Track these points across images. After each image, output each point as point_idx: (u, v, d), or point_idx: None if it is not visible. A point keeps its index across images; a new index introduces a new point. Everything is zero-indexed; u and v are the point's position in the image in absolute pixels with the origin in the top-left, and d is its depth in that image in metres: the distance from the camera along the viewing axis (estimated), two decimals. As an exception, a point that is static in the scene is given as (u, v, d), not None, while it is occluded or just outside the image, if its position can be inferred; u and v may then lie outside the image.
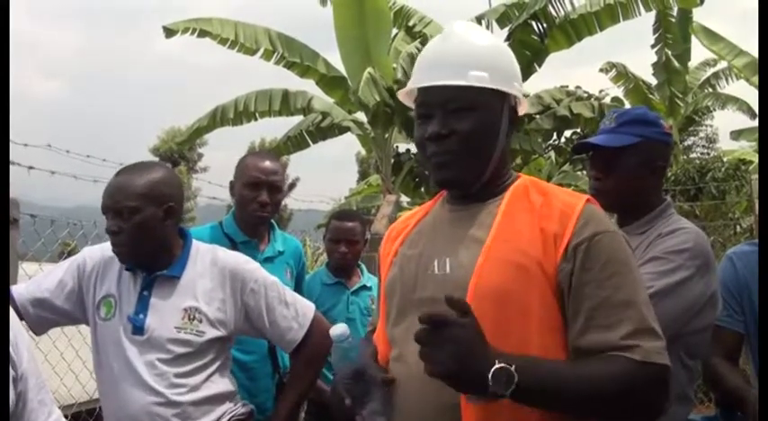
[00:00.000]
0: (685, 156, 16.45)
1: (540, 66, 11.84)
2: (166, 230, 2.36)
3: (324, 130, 12.14)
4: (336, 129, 12.16)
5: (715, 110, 19.25)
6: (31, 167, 4.11)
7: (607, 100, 12.48)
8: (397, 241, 1.82)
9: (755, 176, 6.37)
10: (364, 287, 3.91)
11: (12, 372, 1.63)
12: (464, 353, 1.39)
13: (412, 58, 10.90)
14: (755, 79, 13.80)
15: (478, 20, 11.66)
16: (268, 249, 3.18)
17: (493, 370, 1.38)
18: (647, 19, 13.82)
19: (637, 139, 2.22)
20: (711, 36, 15.74)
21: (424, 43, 11.12)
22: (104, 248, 2.45)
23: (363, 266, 4.04)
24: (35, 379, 1.71)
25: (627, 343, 1.47)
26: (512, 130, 1.72)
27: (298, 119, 12.36)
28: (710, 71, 18.82)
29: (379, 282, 1.89)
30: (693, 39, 15.71)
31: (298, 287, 3.27)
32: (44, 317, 2.37)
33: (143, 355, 2.26)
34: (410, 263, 1.73)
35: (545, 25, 11.34)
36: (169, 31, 11.49)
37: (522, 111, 1.75)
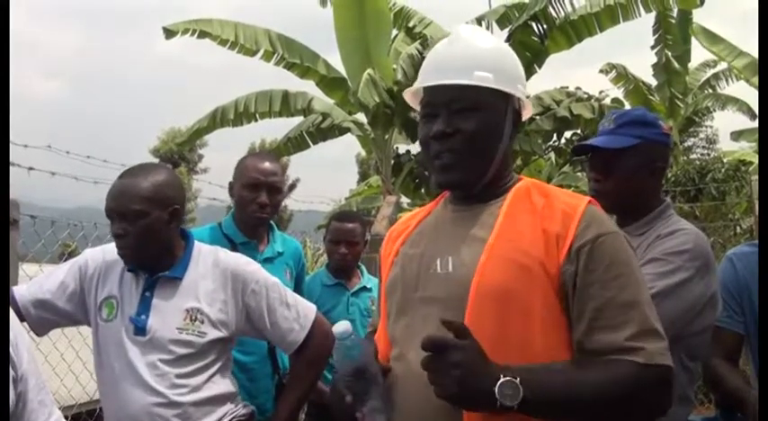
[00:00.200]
0: (685, 157, 16.43)
1: (540, 67, 11.84)
2: (171, 232, 2.37)
3: (324, 131, 12.13)
4: (336, 130, 12.16)
5: (715, 111, 19.26)
6: (31, 168, 4.11)
7: (607, 101, 12.45)
8: (398, 241, 1.83)
9: (755, 177, 6.37)
10: (364, 288, 3.91)
11: (12, 373, 1.63)
12: (467, 375, 1.43)
13: (412, 59, 10.91)
14: (755, 80, 13.80)
15: (478, 21, 11.66)
16: (267, 250, 3.18)
17: (498, 384, 1.42)
18: (646, 20, 13.86)
19: (636, 141, 2.22)
20: (711, 37, 15.74)
21: (424, 44, 11.14)
22: (106, 250, 2.46)
23: (363, 267, 4.04)
24: (35, 379, 1.72)
25: (631, 345, 1.49)
26: (515, 132, 1.74)
27: (298, 120, 12.36)
28: (710, 72, 18.83)
29: (380, 283, 1.90)
30: (693, 40, 15.71)
31: (297, 288, 3.27)
32: (45, 318, 2.38)
33: (145, 356, 2.27)
34: (412, 262, 1.74)
35: (545, 26, 11.33)
36: (169, 32, 11.49)
37: (526, 114, 1.77)
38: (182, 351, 2.28)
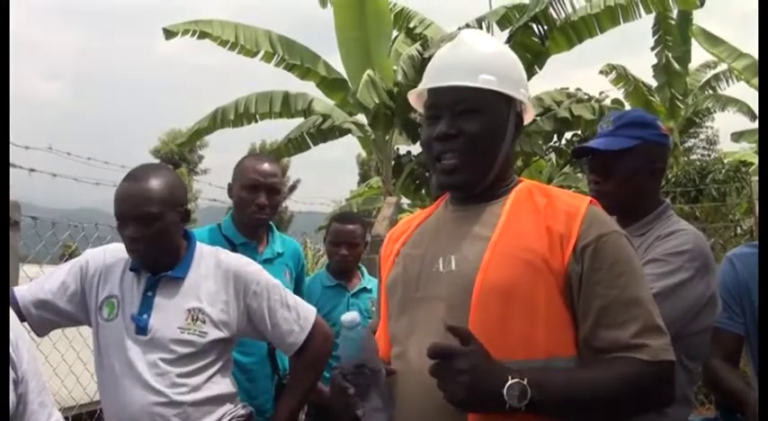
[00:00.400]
0: (686, 158, 16.42)
1: (540, 68, 11.84)
2: (179, 233, 2.39)
3: (324, 132, 12.13)
4: (337, 132, 12.16)
5: (715, 111, 19.27)
6: (32, 170, 4.11)
7: (607, 102, 12.45)
8: (398, 242, 1.84)
9: (756, 178, 6.37)
10: (365, 289, 3.90)
11: (12, 374, 1.63)
12: (474, 380, 1.47)
13: (412, 60, 10.91)
14: (756, 81, 13.80)
15: (479, 22, 11.65)
16: (267, 251, 3.18)
17: (506, 386, 1.45)
18: (646, 21, 13.84)
19: (634, 142, 2.23)
20: (711, 39, 15.73)
21: (424, 45, 11.13)
22: (107, 250, 2.47)
23: (364, 268, 4.04)
24: (36, 381, 1.72)
25: (636, 342, 1.53)
26: (517, 135, 1.77)
27: (298, 121, 12.36)
28: (711, 73, 18.83)
29: (379, 283, 1.91)
30: (693, 41, 15.71)
31: (297, 289, 3.28)
32: (46, 318, 2.38)
33: (146, 355, 2.27)
34: (413, 262, 1.75)
35: (545, 27, 11.33)
36: (169, 33, 11.48)
37: (527, 118, 1.79)
38: (183, 350, 2.28)
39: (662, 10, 12.09)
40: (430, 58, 1.88)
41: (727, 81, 18.22)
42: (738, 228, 8.64)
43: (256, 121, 11.97)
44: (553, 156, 13.76)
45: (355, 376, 1.64)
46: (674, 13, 14.17)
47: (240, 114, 11.69)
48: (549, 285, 1.57)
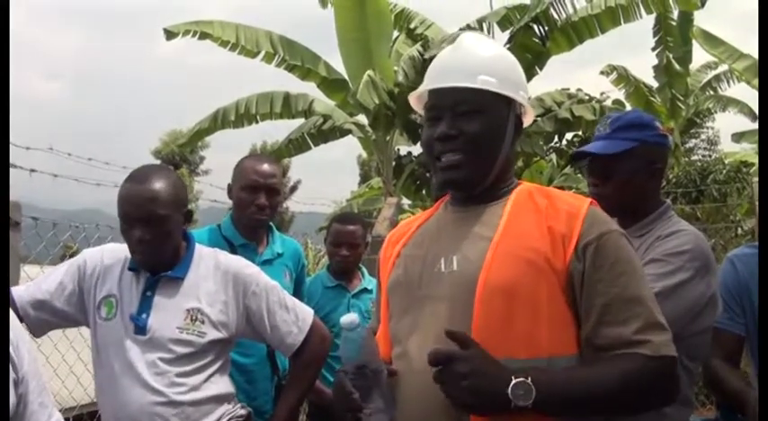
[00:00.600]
0: (687, 159, 16.40)
1: (541, 68, 11.84)
2: (180, 234, 2.40)
3: (325, 133, 12.13)
4: (338, 132, 12.15)
5: (716, 112, 19.27)
6: (33, 170, 4.11)
7: (608, 102, 12.45)
8: (399, 244, 1.85)
9: (757, 179, 6.37)
10: (365, 290, 3.90)
11: (13, 375, 1.63)
12: (477, 383, 1.49)
13: (413, 61, 10.90)
14: (756, 82, 13.79)
15: (480, 23, 11.66)
16: (266, 251, 3.18)
17: (511, 386, 1.47)
18: (647, 22, 13.84)
19: (633, 144, 2.23)
20: (711, 40, 15.72)
21: (425, 46, 11.12)
22: (105, 249, 2.47)
23: (364, 269, 4.04)
24: (36, 381, 1.72)
25: (638, 338, 1.55)
26: (516, 137, 1.79)
27: (299, 121, 12.35)
28: (712, 73, 18.82)
29: (379, 284, 1.92)
30: (694, 41, 15.70)
31: (298, 289, 3.27)
32: (44, 319, 2.38)
33: (145, 355, 2.28)
34: (415, 262, 1.76)
35: (546, 28, 11.32)
36: (170, 34, 11.48)
37: (527, 120, 1.81)
38: (182, 350, 2.29)
39: (662, 11, 12.08)
40: (431, 58, 1.89)
41: (727, 82, 18.21)
42: (739, 229, 8.64)
43: (257, 122, 11.96)
44: (554, 156, 13.74)
45: (357, 377, 1.64)
46: (675, 14, 14.16)
47: (241, 115, 11.69)
48: (551, 284, 1.59)
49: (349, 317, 1.66)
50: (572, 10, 11.27)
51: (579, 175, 13.05)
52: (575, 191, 8.97)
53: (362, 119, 12.13)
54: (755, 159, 12.62)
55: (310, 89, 12.27)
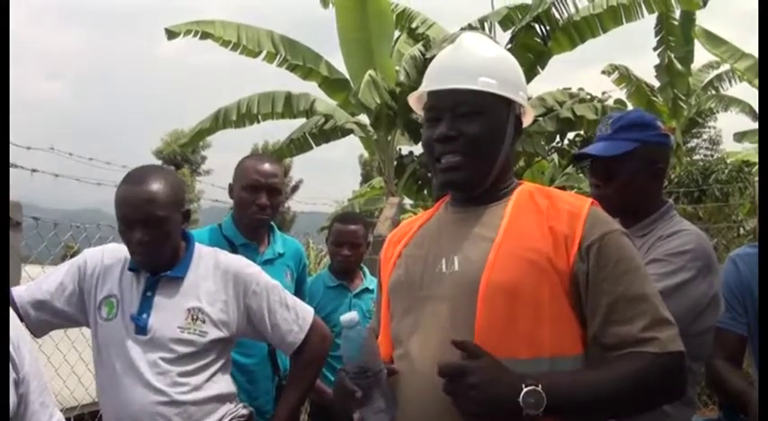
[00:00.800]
0: (688, 158, 16.39)
1: (542, 68, 11.83)
2: (180, 234, 2.39)
3: (327, 133, 12.12)
4: (339, 132, 12.14)
5: (718, 112, 19.25)
6: (34, 170, 4.11)
7: (610, 102, 12.43)
8: (399, 244, 1.85)
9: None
10: (367, 290, 3.90)
11: (14, 375, 1.63)
12: (487, 394, 1.49)
13: (414, 61, 10.90)
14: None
15: (481, 22, 11.65)
16: (268, 251, 3.18)
17: (522, 395, 1.47)
18: (649, 21, 13.83)
19: (634, 145, 2.22)
20: (713, 39, 15.70)
21: (426, 46, 11.12)
22: (105, 249, 2.47)
23: (366, 269, 4.04)
24: (37, 381, 1.72)
25: (645, 335, 1.56)
26: (516, 138, 1.79)
27: (300, 121, 12.35)
28: (713, 73, 18.79)
29: (379, 285, 1.92)
30: (696, 41, 15.68)
31: (299, 289, 3.27)
32: (44, 319, 2.38)
33: (146, 354, 2.28)
34: (416, 263, 1.76)
35: (548, 28, 11.32)
36: (171, 33, 11.48)
37: (526, 121, 1.81)
38: (183, 350, 2.29)
39: (664, 10, 12.06)
40: (432, 58, 1.89)
41: (729, 81, 18.19)
42: (741, 229, 8.63)
43: (258, 122, 11.95)
44: (555, 156, 13.73)
45: (357, 377, 1.64)
46: (677, 14, 14.15)
47: (242, 115, 11.69)
48: (553, 285, 1.59)
49: (348, 316, 1.65)
50: (574, 9, 11.27)
51: (581, 175, 13.05)
52: (576, 191, 8.97)
53: (364, 118, 12.13)
54: (757, 159, 12.60)
55: (312, 89, 12.29)
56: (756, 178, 6.84)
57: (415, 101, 1.85)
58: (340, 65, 12.12)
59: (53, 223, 3.87)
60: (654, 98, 14.26)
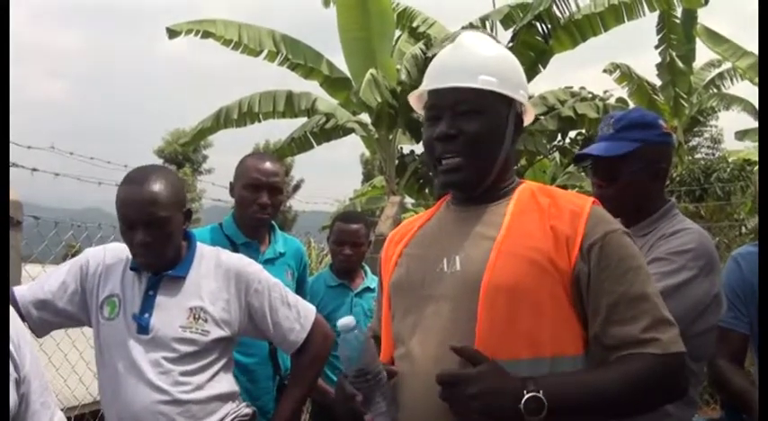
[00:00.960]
0: (690, 157, 16.39)
1: (544, 67, 11.83)
2: (182, 233, 2.39)
3: (328, 132, 12.12)
4: (340, 131, 12.15)
5: (720, 110, 19.24)
6: (34, 169, 4.10)
7: (612, 100, 12.43)
8: (400, 244, 1.85)
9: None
10: (368, 289, 3.90)
11: (15, 374, 1.63)
12: (487, 403, 1.49)
13: (416, 60, 10.90)
14: (760, 79, 13.72)
15: (483, 21, 11.64)
16: (269, 250, 3.17)
17: (523, 402, 1.47)
18: (651, 20, 13.83)
19: (636, 145, 2.21)
20: (715, 37, 15.71)
21: (427, 44, 11.12)
22: (107, 249, 2.46)
23: (367, 268, 4.03)
24: (38, 381, 1.71)
25: (646, 336, 1.56)
26: (517, 136, 1.79)
27: (302, 120, 12.35)
28: (715, 72, 18.79)
29: (380, 284, 1.91)
30: (698, 39, 15.67)
31: (300, 288, 3.26)
32: (46, 319, 2.37)
33: (148, 354, 2.27)
34: (417, 262, 1.76)
35: (549, 26, 11.31)
36: (172, 33, 11.48)
37: (527, 119, 1.81)
38: (185, 349, 2.28)
39: (666, 8, 12.07)
40: (433, 57, 1.88)
41: (731, 79, 18.19)
42: (743, 228, 8.63)
43: (260, 121, 11.96)
44: (557, 155, 13.73)
45: (358, 381, 1.63)
46: (679, 12, 14.15)
47: (244, 114, 11.69)
48: (554, 284, 1.59)
49: (345, 320, 1.65)
50: (575, 8, 11.25)
51: (582, 174, 13.05)
52: (578, 189, 8.97)
53: (365, 117, 12.13)
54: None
55: (313, 88, 12.29)
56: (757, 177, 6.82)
57: (416, 100, 1.85)
58: (341, 64, 12.13)
59: (54, 222, 3.87)
60: (655, 97, 14.25)
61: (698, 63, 17.52)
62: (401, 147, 12.75)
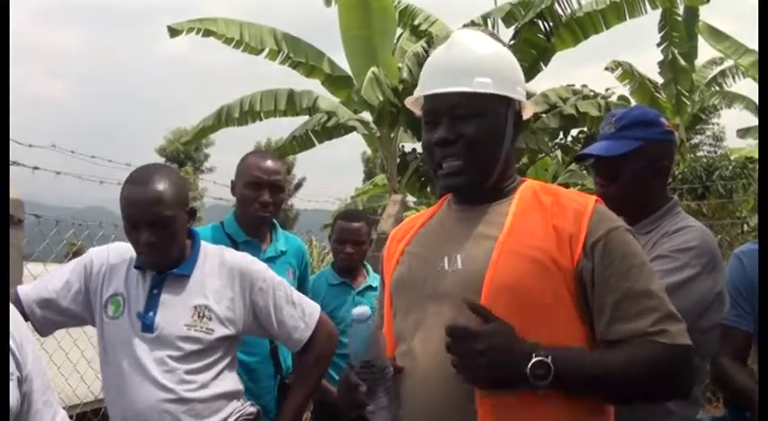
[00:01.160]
0: (692, 155, 16.37)
1: (546, 64, 11.83)
2: (186, 232, 2.39)
3: (329, 130, 12.11)
4: (342, 129, 12.14)
5: (722, 108, 19.19)
6: (35, 168, 4.10)
7: (613, 98, 12.42)
8: (402, 242, 1.85)
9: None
10: (370, 287, 3.89)
11: (17, 373, 1.63)
12: (495, 361, 1.50)
13: (417, 58, 10.89)
14: (762, 77, 13.70)
15: (484, 19, 11.64)
16: (270, 249, 3.17)
17: (530, 364, 1.48)
18: (652, 17, 13.80)
19: (638, 144, 2.20)
20: (717, 35, 15.68)
21: (429, 43, 11.12)
22: (111, 248, 2.46)
23: (369, 266, 4.03)
24: (40, 379, 1.71)
25: (655, 329, 1.56)
26: (516, 134, 1.78)
27: (303, 119, 12.35)
28: (717, 69, 18.75)
29: (382, 282, 1.91)
30: (699, 37, 15.65)
31: (301, 287, 3.26)
32: (50, 318, 2.37)
33: (153, 352, 2.27)
34: (418, 260, 1.76)
35: (551, 24, 11.31)
36: (174, 31, 11.48)
37: (526, 114, 1.80)
38: (190, 347, 2.28)
39: (668, 5, 12.08)
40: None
41: (733, 77, 18.16)
42: (745, 225, 8.62)
43: (261, 119, 11.96)
44: (559, 153, 13.73)
45: (363, 373, 1.63)
46: (681, 9, 14.13)
47: (245, 112, 11.69)
48: (557, 283, 1.59)
49: (361, 309, 1.66)
50: (577, 5, 11.27)
51: (584, 172, 13.05)
52: (580, 188, 8.97)
53: (367, 116, 12.13)
54: (761, 155, 12.55)
55: (314, 86, 12.30)
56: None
57: (413, 104, 1.84)
58: (343, 62, 12.14)
59: (55, 221, 3.87)
60: (657, 94, 14.24)
61: (700, 60, 17.50)
62: (403, 146, 12.76)
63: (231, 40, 11.51)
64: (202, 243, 2.46)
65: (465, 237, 1.70)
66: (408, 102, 1.85)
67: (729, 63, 17.55)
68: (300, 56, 11.76)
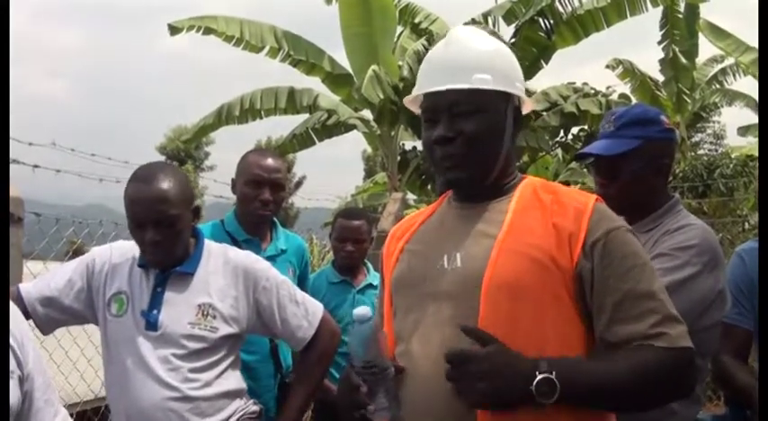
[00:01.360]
0: (693, 153, 16.36)
1: (546, 62, 11.84)
2: (190, 230, 2.39)
3: (330, 128, 12.13)
4: (342, 127, 12.15)
5: (722, 106, 19.19)
6: (36, 166, 4.10)
7: (614, 96, 12.41)
8: (402, 240, 1.84)
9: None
10: (370, 285, 3.89)
11: (18, 372, 1.63)
12: (495, 384, 1.49)
13: (418, 56, 10.90)
14: (763, 75, 13.68)
15: (485, 17, 11.65)
16: (270, 247, 3.17)
17: (535, 383, 1.47)
18: (653, 15, 13.79)
19: (638, 142, 2.19)
20: (718, 32, 15.66)
21: (429, 41, 11.13)
22: (113, 247, 2.46)
23: (369, 264, 4.03)
24: (41, 378, 1.72)
25: (655, 331, 1.55)
26: (517, 130, 1.78)
27: (304, 117, 12.36)
28: (718, 67, 18.75)
29: (382, 280, 1.91)
30: (700, 35, 15.64)
31: (301, 285, 3.25)
32: (52, 317, 2.37)
33: (157, 350, 2.27)
34: (418, 259, 1.76)
35: (552, 21, 11.32)
36: (174, 29, 11.49)
37: (526, 109, 1.79)
38: (194, 346, 2.28)
39: (669, 3, 12.07)
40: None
41: (734, 75, 18.15)
42: (746, 223, 8.62)
43: (261, 118, 11.97)
44: (559, 151, 13.73)
45: (364, 373, 1.63)
46: (681, 7, 14.12)
47: (245, 110, 11.70)
48: (556, 282, 1.58)
49: (362, 310, 1.65)
50: (578, 3, 11.29)
51: (585, 170, 13.04)
52: (581, 186, 8.96)
53: (367, 114, 12.14)
54: (762, 153, 12.54)
55: (315, 84, 12.31)
56: (760, 172, 6.80)
57: (412, 102, 1.84)
58: (343, 60, 12.14)
59: (55, 219, 3.86)
60: (658, 92, 14.24)
61: (701, 59, 17.48)
62: (403, 144, 12.77)
63: (231, 38, 11.51)
64: (206, 241, 2.46)
65: (465, 234, 1.69)
66: (407, 100, 1.85)
67: (730, 61, 17.54)
68: (301, 54, 11.77)
